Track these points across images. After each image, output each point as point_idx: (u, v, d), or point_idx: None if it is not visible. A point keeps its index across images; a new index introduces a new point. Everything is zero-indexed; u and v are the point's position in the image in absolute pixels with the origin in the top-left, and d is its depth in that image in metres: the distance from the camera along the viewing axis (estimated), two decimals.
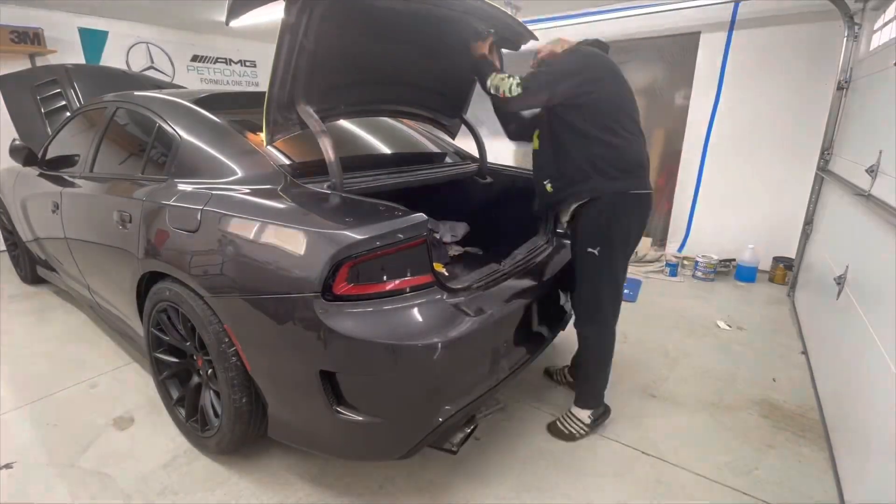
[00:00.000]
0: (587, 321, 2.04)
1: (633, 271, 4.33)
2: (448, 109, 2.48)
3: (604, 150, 1.85)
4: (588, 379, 2.12)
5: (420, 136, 2.77)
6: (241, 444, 1.86)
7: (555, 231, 2.36)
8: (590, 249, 1.92)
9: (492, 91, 1.87)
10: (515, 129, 2.21)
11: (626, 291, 3.82)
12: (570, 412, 2.14)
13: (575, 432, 2.09)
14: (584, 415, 2.10)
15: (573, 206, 1.94)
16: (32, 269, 3.75)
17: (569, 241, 2.39)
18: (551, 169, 1.97)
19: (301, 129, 1.75)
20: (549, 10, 4.66)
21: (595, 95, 1.83)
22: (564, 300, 2.28)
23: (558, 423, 2.14)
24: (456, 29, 1.98)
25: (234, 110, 2.12)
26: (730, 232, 4.34)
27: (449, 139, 2.74)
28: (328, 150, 1.66)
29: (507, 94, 1.81)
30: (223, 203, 1.68)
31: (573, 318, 2.12)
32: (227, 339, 1.66)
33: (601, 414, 2.15)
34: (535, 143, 2.06)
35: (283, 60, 1.58)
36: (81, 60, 5.09)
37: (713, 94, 4.25)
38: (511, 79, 1.82)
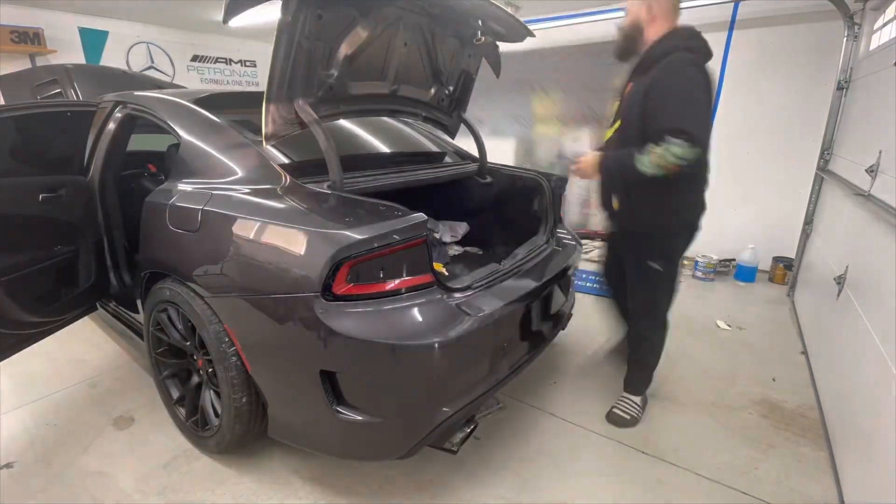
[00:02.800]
0: (644, 318, 2.12)
1: None
2: (448, 108, 2.48)
3: (693, 195, 1.86)
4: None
5: (420, 135, 2.77)
6: (241, 444, 1.86)
7: (554, 231, 2.35)
8: (651, 264, 1.94)
9: (658, 173, 1.64)
10: None
11: None
12: (626, 397, 2.24)
13: (636, 415, 2.19)
14: (637, 399, 2.23)
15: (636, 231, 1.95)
16: None
17: (569, 241, 2.39)
18: (622, 185, 1.91)
19: (300, 129, 1.75)
20: (548, 10, 4.66)
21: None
22: (564, 300, 2.27)
23: (617, 410, 2.20)
24: (455, 27, 1.98)
25: (234, 110, 2.12)
26: (730, 232, 4.33)
27: (449, 139, 2.74)
28: (328, 150, 1.66)
29: (678, 162, 1.59)
30: (223, 203, 1.68)
31: (632, 317, 2.19)
32: (227, 339, 1.66)
33: (646, 402, 2.30)
34: (609, 134, 1.93)
35: (281, 60, 1.58)
36: (81, 60, 5.10)
37: None
38: (665, 148, 1.58)
